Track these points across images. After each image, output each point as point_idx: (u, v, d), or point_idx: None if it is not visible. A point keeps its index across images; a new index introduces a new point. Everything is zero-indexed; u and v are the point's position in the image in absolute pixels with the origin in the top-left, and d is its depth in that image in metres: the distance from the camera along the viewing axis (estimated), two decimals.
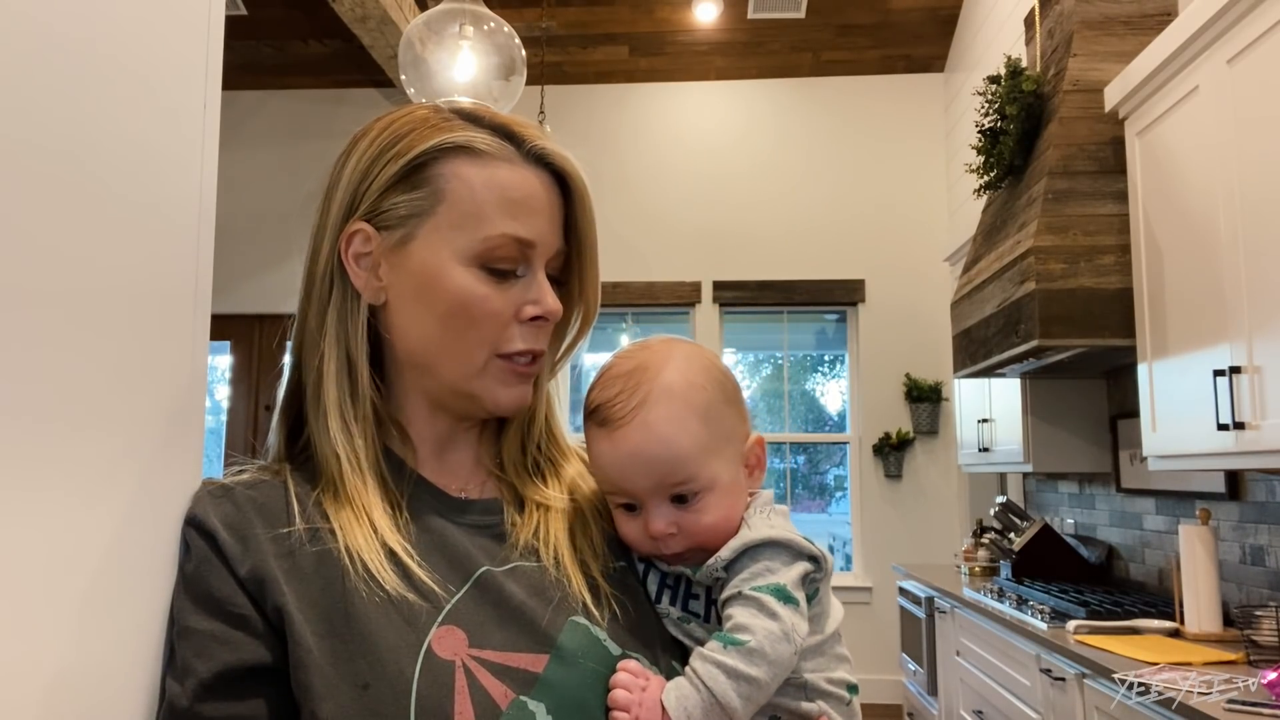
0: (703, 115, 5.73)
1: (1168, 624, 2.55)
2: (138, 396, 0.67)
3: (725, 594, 0.73)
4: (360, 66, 5.50)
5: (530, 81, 3.88)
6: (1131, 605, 2.76)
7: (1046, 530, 3.45)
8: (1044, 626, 2.67)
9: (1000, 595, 3.21)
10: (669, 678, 0.70)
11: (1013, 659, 2.91)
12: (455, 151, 0.74)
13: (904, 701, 4.53)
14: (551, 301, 0.75)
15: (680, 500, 0.76)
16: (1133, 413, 2.94)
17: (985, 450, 3.97)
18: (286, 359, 0.82)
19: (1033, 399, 3.52)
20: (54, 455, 0.59)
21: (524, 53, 3.02)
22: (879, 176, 5.58)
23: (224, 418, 5.72)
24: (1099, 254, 2.73)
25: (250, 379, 5.73)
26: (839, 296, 5.52)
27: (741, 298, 5.58)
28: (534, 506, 0.78)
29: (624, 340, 5.60)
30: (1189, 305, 2.37)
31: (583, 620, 0.72)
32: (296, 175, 5.75)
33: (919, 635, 4.07)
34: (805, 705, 0.74)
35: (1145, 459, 2.63)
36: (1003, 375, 3.50)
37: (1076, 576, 3.39)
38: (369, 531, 0.70)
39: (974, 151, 3.46)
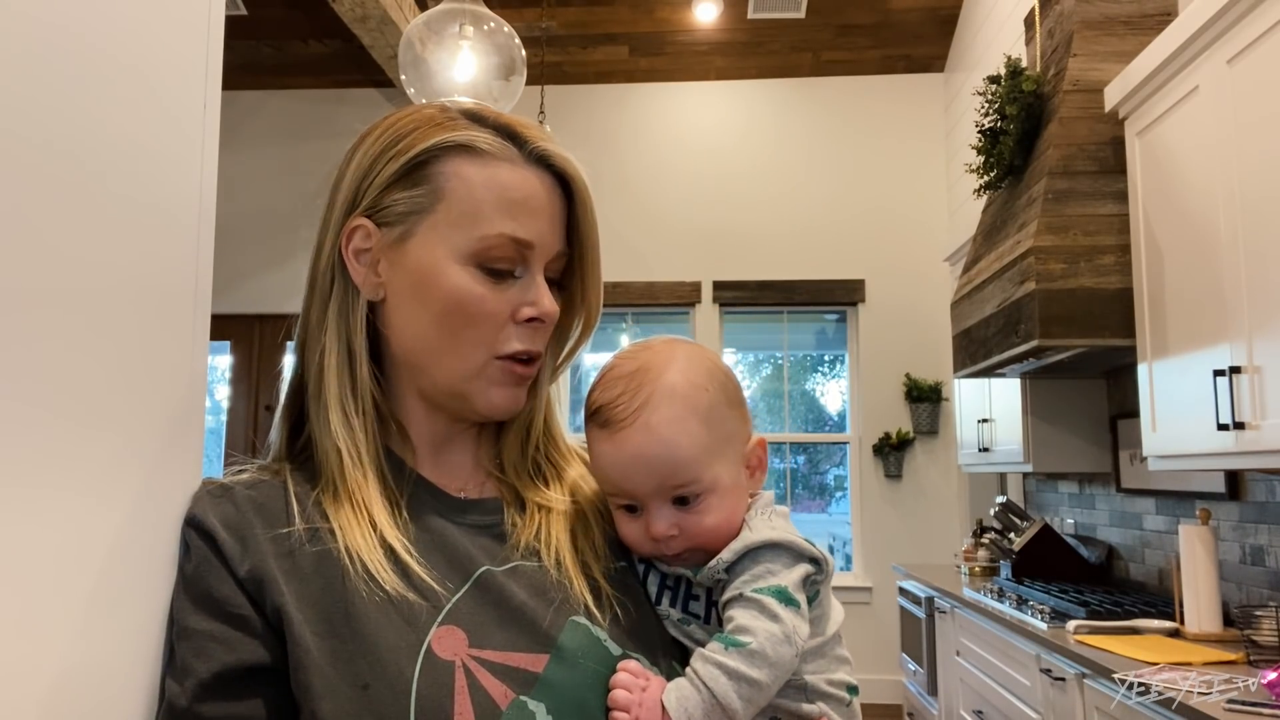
0: (703, 115, 5.73)
1: (1168, 624, 2.55)
2: (138, 396, 0.67)
3: (726, 596, 0.73)
4: (360, 66, 5.50)
5: (530, 81, 3.88)
6: (1131, 605, 2.76)
7: (1046, 530, 3.45)
8: (1044, 626, 2.67)
9: (1000, 595, 3.22)
10: (669, 678, 0.70)
11: (1013, 659, 2.91)
12: (456, 150, 0.74)
13: (904, 701, 4.53)
14: (548, 303, 0.75)
15: (682, 502, 0.76)
16: (1133, 413, 2.94)
17: (985, 450, 3.97)
18: (289, 356, 0.82)
19: (1033, 399, 3.52)
20: (54, 455, 0.59)
21: (524, 53, 3.02)
22: (879, 176, 5.58)
23: (224, 418, 5.72)
24: (1099, 254, 2.73)
25: (250, 379, 5.73)
26: (839, 296, 5.52)
27: (741, 298, 5.58)
28: (535, 508, 0.78)
29: (624, 340, 5.60)
30: (1189, 305, 2.37)
31: (583, 620, 0.72)
32: (296, 175, 5.75)
33: (919, 635, 4.07)
34: (805, 706, 0.74)
35: (1145, 459, 2.63)
36: (1003, 375, 3.50)
37: (1076, 576, 3.39)
38: (368, 529, 0.70)
39: (974, 151, 3.46)
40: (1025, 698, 2.80)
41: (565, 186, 0.78)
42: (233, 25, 4.95)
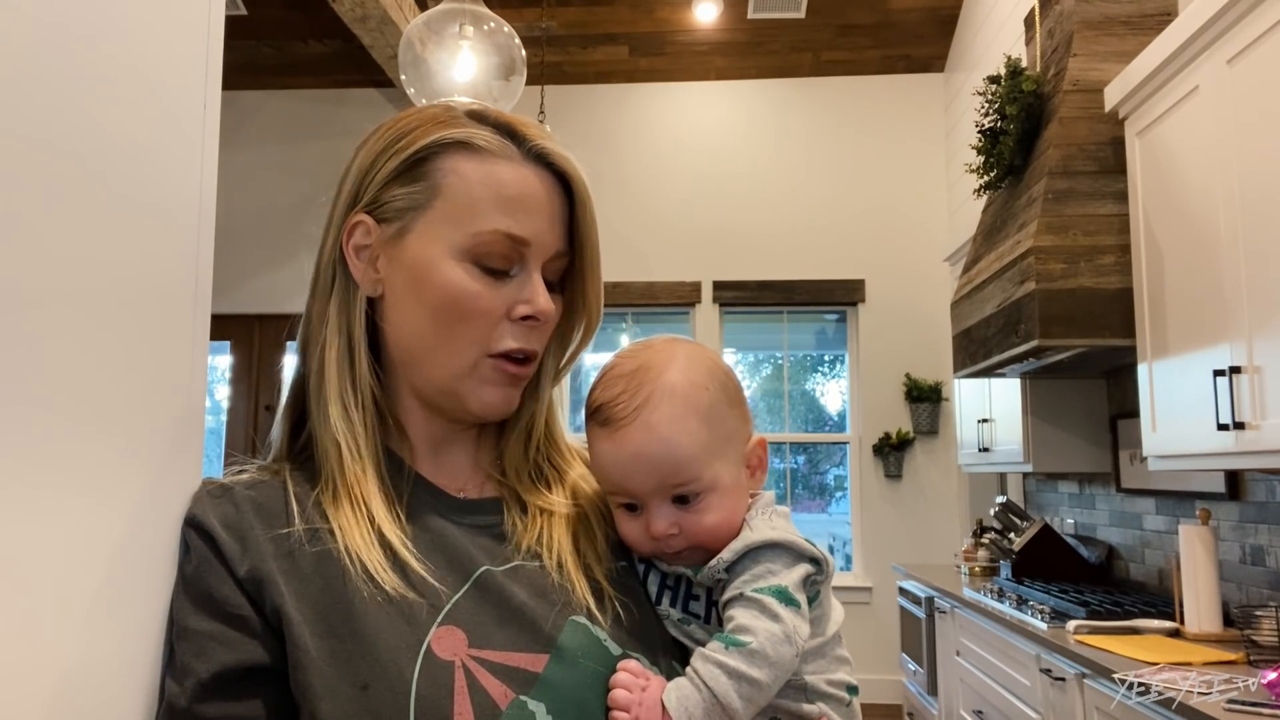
0: (703, 115, 5.73)
1: (1168, 624, 2.55)
2: (138, 396, 0.67)
3: (726, 595, 0.73)
4: (360, 66, 5.50)
5: (530, 81, 3.88)
6: (1131, 605, 2.76)
7: (1046, 530, 3.45)
8: (1044, 626, 2.67)
9: (1000, 595, 3.21)
10: (669, 678, 0.70)
11: (1013, 659, 2.91)
12: (455, 147, 0.74)
13: (904, 701, 4.53)
14: (544, 301, 0.74)
15: (682, 501, 0.76)
16: (1133, 413, 2.94)
17: (985, 450, 3.97)
18: (289, 356, 0.82)
19: (1033, 399, 3.52)
20: (54, 455, 0.59)
21: (524, 53, 3.02)
22: (879, 176, 5.58)
23: (224, 418, 5.72)
24: (1099, 254, 2.73)
25: (250, 379, 5.73)
26: (839, 296, 5.52)
27: (741, 298, 5.58)
28: (537, 512, 0.78)
29: (624, 340, 5.60)
30: (1189, 305, 2.37)
31: (583, 620, 0.71)
32: (296, 175, 5.75)
33: (919, 635, 4.07)
34: (806, 707, 0.74)
35: (1145, 459, 2.63)
36: (1003, 375, 3.50)
37: (1076, 576, 3.39)
38: (367, 528, 0.70)
39: (974, 151, 3.46)
40: (1025, 698, 2.80)
41: (566, 186, 0.77)
42: (233, 25, 4.95)
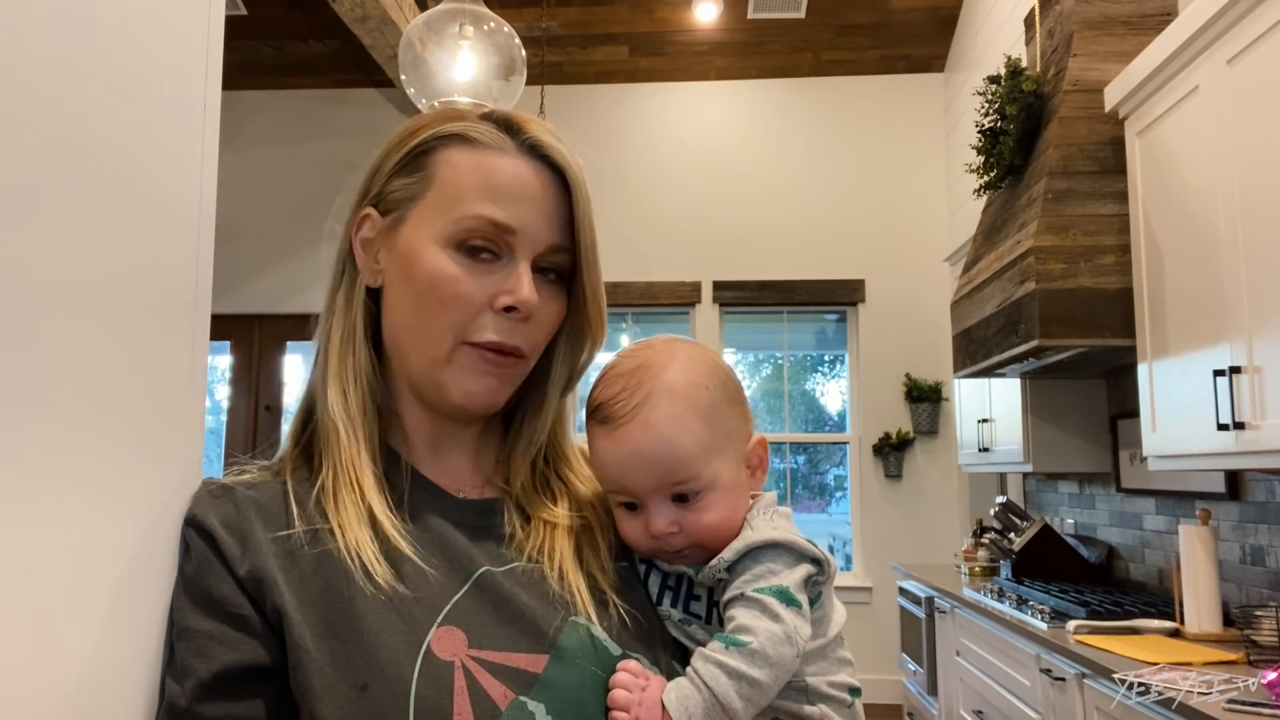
0: (703, 115, 5.73)
1: (1168, 624, 2.55)
2: (138, 396, 0.67)
3: (727, 595, 0.73)
4: (360, 66, 5.50)
5: (530, 81, 3.88)
6: (1131, 605, 2.76)
7: (1046, 530, 3.45)
8: (1044, 626, 2.67)
9: (1000, 595, 3.21)
10: (669, 678, 0.70)
11: (1013, 659, 2.91)
12: (451, 140, 0.76)
13: (904, 701, 4.53)
14: (526, 292, 0.73)
15: (681, 499, 0.76)
16: (1133, 413, 2.94)
17: (985, 450, 3.97)
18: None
19: (1033, 399, 3.52)
20: (53, 455, 0.59)
21: (524, 53, 3.02)
22: (879, 176, 5.58)
23: (224, 418, 5.72)
24: (1099, 254, 2.73)
25: (250, 379, 5.73)
26: (839, 296, 5.52)
27: (741, 298, 5.58)
28: (540, 523, 0.77)
29: (625, 340, 5.60)
30: (1189, 305, 2.37)
31: (583, 621, 0.71)
32: (296, 175, 5.75)
33: (919, 635, 4.07)
34: (807, 709, 0.74)
35: (1145, 459, 2.63)
36: (1003, 375, 3.50)
37: (1076, 576, 3.39)
38: (367, 527, 0.70)
39: (974, 151, 3.46)
40: (1025, 698, 2.80)
41: (566, 181, 0.77)
42: (233, 25, 4.95)
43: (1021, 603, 3.00)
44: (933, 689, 3.89)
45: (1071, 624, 2.60)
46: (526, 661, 0.68)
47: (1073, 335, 2.70)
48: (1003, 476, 4.56)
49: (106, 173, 0.64)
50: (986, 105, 3.35)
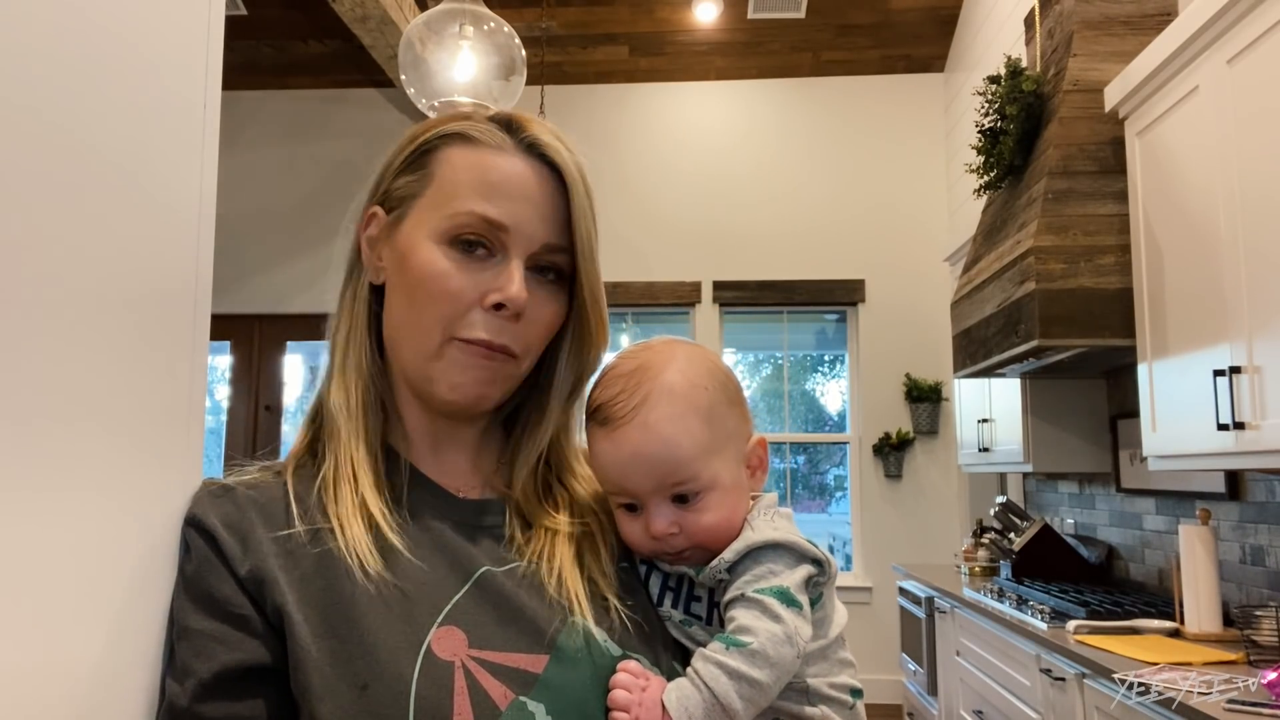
0: (703, 115, 5.73)
1: (1168, 624, 2.55)
2: (138, 396, 0.67)
3: (728, 596, 0.73)
4: (360, 66, 5.50)
5: (530, 81, 3.88)
6: (1131, 605, 2.76)
7: (1046, 530, 3.45)
8: (1044, 626, 2.67)
9: (1000, 595, 3.21)
10: (670, 679, 0.70)
11: (1013, 659, 2.91)
12: (453, 138, 0.76)
13: (904, 701, 4.53)
14: (515, 290, 0.72)
15: (681, 500, 0.76)
16: (1133, 413, 2.94)
17: (985, 450, 3.97)
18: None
19: (1033, 399, 3.52)
20: (53, 455, 0.59)
21: (524, 53, 3.02)
22: (879, 176, 5.58)
23: (224, 418, 5.72)
24: (1099, 254, 2.73)
25: (250, 379, 5.72)
26: (839, 296, 5.52)
27: (741, 298, 5.58)
28: (542, 530, 0.77)
29: (625, 341, 5.60)
30: (1189, 305, 2.37)
31: (583, 621, 0.71)
32: (296, 175, 5.75)
33: (919, 635, 4.07)
34: (808, 710, 0.74)
35: (1145, 459, 2.63)
36: (1003, 375, 3.50)
37: (1076, 576, 3.39)
38: (363, 519, 0.70)
39: (974, 151, 3.46)
40: (1025, 698, 2.80)
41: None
42: (233, 25, 4.95)
43: (1021, 603, 3.00)
44: (933, 689, 3.89)
45: (1071, 624, 2.60)
46: (526, 662, 0.68)
47: (1073, 335, 2.70)
48: (1003, 476, 4.56)
49: (107, 173, 0.64)
50: (986, 105, 3.35)
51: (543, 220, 0.75)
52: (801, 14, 5.27)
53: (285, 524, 0.70)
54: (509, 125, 0.77)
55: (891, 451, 5.32)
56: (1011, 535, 3.50)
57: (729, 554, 0.74)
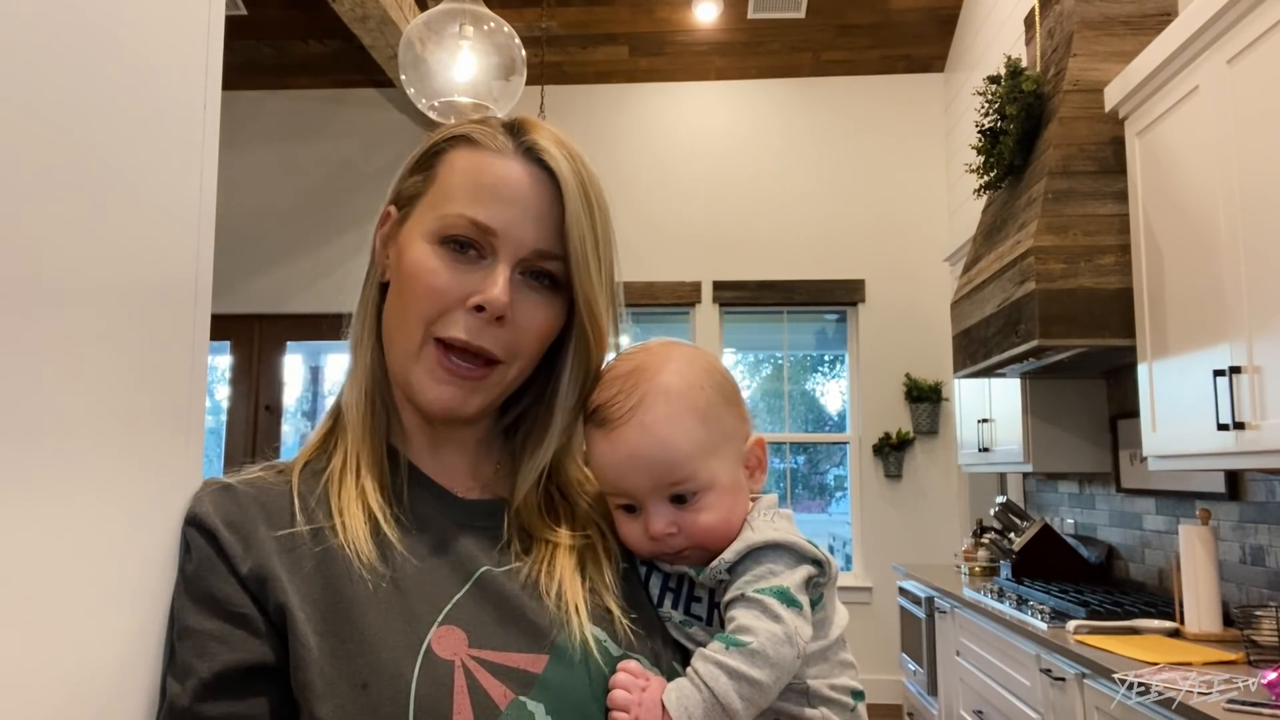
0: (703, 115, 5.73)
1: (1168, 624, 2.55)
2: (138, 396, 0.67)
3: (728, 596, 0.73)
4: (360, 66, 5.50)
5: (530, 81, 3.88)
6: (1131, 605, 2.76)
7: (1046, 530, 3.45)
8: (1044, 626, 2.67)
9: (1000, 595, 3.21)
10: (670, 679, 0.70)
11: (1013, 659, 2.91)
12: (459, 141, 0.77)
13: (904, 701, 4.53)
14: (497, 292, 0.71)
15: (679, 500, 0.76)
16: (1133, 413, 2.94)
17: (985, 450, 3.97)
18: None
19: (1033, 399, 3.52)
20: (53, 455, 0.59)
21: (524, 53, 3.02)
22: (879, 176, 5.58)
23: (224, 418, 5.72)
24: (1099, 254, 2.73)
25: (250, 379, 5.72)
26: (839, 297, 5.52)
27: (741, 298, 5.57)
28: (543, 543, 0.77)
29: (624, 341, 5.60)
30: (1189, 305, 2.37)
31: (583, 621, 0.71)
32: (296, 175, 5.75)
33: (919, 635, 4.07)
34: (808, 712, 0.74)
35: (1145, 459, 2.63)
36: (1003, 375, 3.50)
37: (1076, 576, 3.39)
38: (364, 517, 0.71)
39: (974, 151, 3.46)
40: (1025, 698, 2.80)
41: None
42: (233, 25, 4.95)
43: (1021, 603, 3.00)
44: (933, 689, 3.89)
45: (1071, 624, 2.60)
46: (526, 661, 0.68)
47: (1073, 335, 2.70)
48: (1003, 476, 4.56)
49: (106, 173, 0.64)
50: (986, 105, 3.35)
51: (535, 225, 0.74)
52: (801, 14, 5.27)
53: (288, 522, 0.71)
54: (513, 129, 0.77)
55: (891, 451, 5.32)
56: (1011, 535, 3.50)
57: (729, 554, 0.74)
